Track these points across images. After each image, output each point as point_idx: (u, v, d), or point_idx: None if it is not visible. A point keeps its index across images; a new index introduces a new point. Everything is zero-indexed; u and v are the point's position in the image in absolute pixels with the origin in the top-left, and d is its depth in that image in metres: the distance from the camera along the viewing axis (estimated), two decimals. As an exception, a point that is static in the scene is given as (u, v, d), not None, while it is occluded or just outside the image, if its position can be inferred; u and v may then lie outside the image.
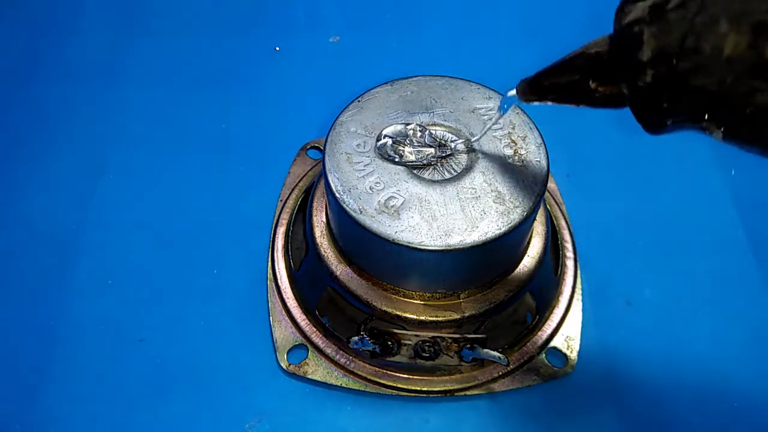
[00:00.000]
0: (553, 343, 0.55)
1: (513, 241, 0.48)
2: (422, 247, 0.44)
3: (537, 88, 0.40)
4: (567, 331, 0.56)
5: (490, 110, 0.50)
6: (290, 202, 0.61)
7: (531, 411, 0.54)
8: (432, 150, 0.48)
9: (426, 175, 0.47)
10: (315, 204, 0.54)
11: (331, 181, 0.46)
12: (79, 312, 0.57)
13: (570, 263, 0.59)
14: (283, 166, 0.65)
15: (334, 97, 0.64)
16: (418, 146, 0.48)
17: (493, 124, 0.47)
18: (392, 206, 0.45)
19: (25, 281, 0.59)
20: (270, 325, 0.56)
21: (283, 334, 0.55)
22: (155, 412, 0.53)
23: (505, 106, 0.44)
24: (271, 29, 0.78)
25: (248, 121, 0.70)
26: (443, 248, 0.44)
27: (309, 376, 0.53)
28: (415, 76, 0.52)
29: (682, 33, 0.29)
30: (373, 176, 0.47)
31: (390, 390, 0.53)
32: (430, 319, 0.49)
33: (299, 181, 0.63)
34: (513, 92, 0.42)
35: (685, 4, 0.30)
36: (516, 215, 0.45)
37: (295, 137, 0.67)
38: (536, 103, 0.41)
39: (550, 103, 0.41)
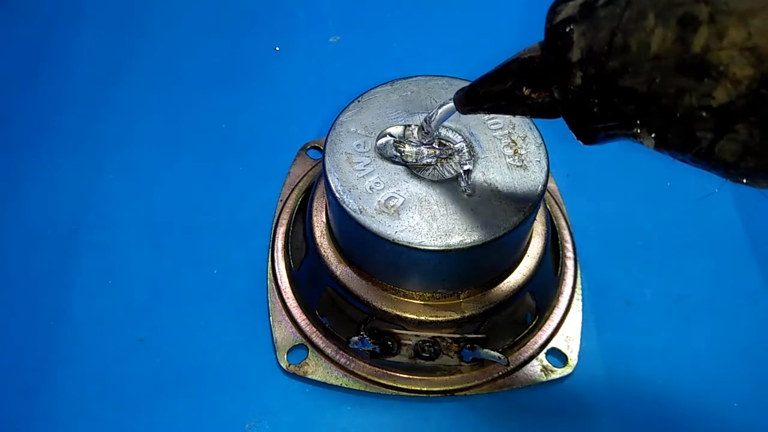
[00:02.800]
0: (553, 343, 0.55)
1: (513, 241, 0.48)
2: (422, 247, 0.44)
3: (472, 98, 0.39)
4: (567, 331, 0.56)
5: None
6: (290, 202, 0.61)
7: (531, 411, 0.54)
8: (432, 150, 0.48)
9: (426, 175, 0.47)
10: (315, 204, 0.54)
11: (331, 181, 0.46)
12: (79, 312, 0.57)
13: (570, 263, 0.59)
14: (283, 166, 0.65)
15: (334, 97, 0.64)
16: (419, 146, 0.48)
17: (433, 133, 0.46)
18: (392, 206, 0.45)
19: (25, 281, 0.59)
20: (270, 325, 0.56)
21: (283, 334, 0.55)
22: (155, 412, 0.53)
23: (443, 117, 0.44)
24: (271, 29, 0.78)
25: (248, 121, 0.70)
26: (443, 248, 0.44)
27: (309, 376, 0.53)
28: (415, 76, 0.52)
29: (611, 30, 0.28)
30: (373, 176, 0.47)
31: (390, 390, 0.53)
32: (430, 319, 0.49)
33: (299, 181, 0.63)
34: (450, 104, 0.42)
35: (614, 0, 0.28)
36: (516, 215, 0.45)
37: (295, 137, 0.67)
38: (473, 114, 0.40)
39: (486, 114, 0.40)
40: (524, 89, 0.34)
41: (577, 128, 0.32)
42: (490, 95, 0.38)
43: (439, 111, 0.44)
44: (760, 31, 0.23)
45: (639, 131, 0.29)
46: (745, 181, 0.27)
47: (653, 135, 0.28)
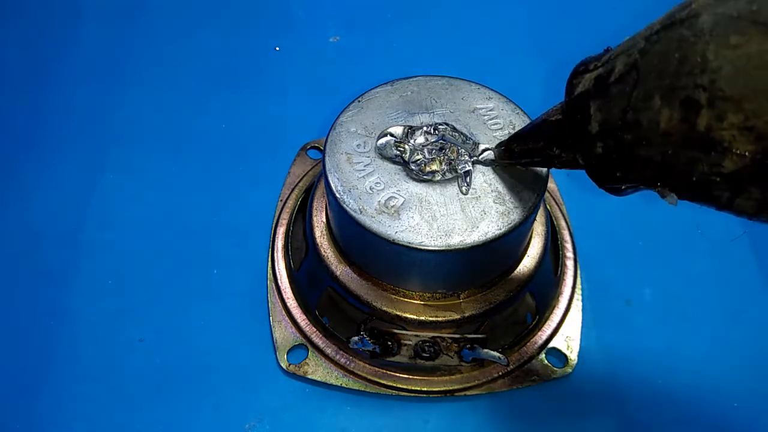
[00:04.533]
0: (553, 343, 0.55)
1: (513, 241, 0.48)
2: (422, 248, 0.44)
3: (509, 154, 0.43)
4: (567, 331, 0.56)
5: (491, 110, 0.50)
6: (290, 202, 0.61)
7: (531, 411, 0.54)
8: (432, 150, 0.48)
9: (426, 175, 0.47)
10: (315, 204, 0.54)
11: (331, 181, 0.46)
12: (79, 312, 0.57)
13: (570, 263, 0.59)
14: (283, 166, 0.65)
15: (334, 97, 0.64)
16: (419, 147, 0.48)
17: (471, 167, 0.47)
18: (392, 206, 0.45)
19: (25, 281, 0.59)
20: (270, 325, 0.56)
21: (283, 334, 0.55)
22: (155, 412, 0.53)
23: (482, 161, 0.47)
24: (271, 29, 0.78)
25: (248, 121, 0.70)
26: (443, 248, 0.44)
27: (309, 376, 0.53)
28: (415, 76, 0.52)
29: (623, 107, 0.30)
30: (373, 176, 0.47)
31: (390, 390, 0.53)
32: (430, 319, 0.49)
33: (299, 181, 0.63)
34: (488, 152, 0.45)
35: (623, 78, 0.30)
36: (516, 215, 0.45)
37: (295, 137, 0.67)
38: (509, 165, 0.44)
39: (524, 167, 0.44)
40: (555, 149, 0.37)
41: (603, 187, 0.35)
42: (524, 153, 0.41)
43: (481, 158, 0.47)
44: (756, 114, 0.25)
45: (660, 189, 0.31)
46: None
47: (674, 193, 0.30)
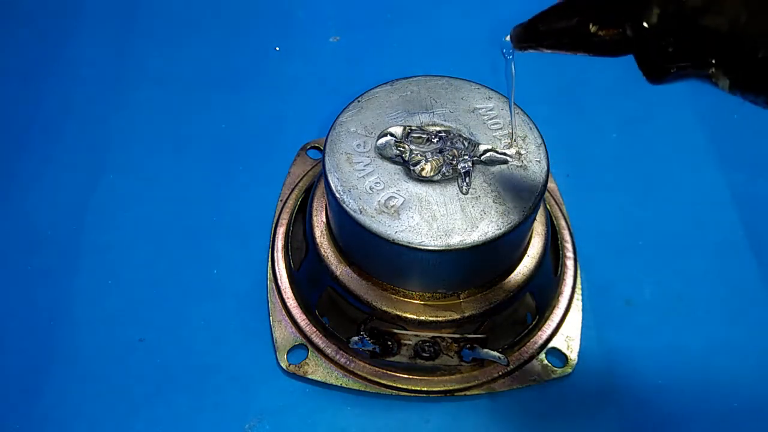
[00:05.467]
0: (553, 343, 0.55)
1: (513, 241, 0.48)
2: (422, 247, 0.44)
3: (533, 34, 0.37)
4: (567, 331, 0.56)
5: (491, 110, 0.50)
6: (290, 202, 0.61)
7: (531, 411, 0.54)
8: (432, 150, 0.48)
9: (426, 175, 0.47)
10: (315, 204, 0.54)
11: (331, 181, 0.46)
12: (79, 312, 0.57)
13: (570, 263, 0.59)
14: (283, 166, 0.65)
15: (334, 97, 0.64)
16: (419, 146, 0.48)
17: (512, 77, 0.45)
18: (392, 206, 0.45)
19: (25, 281, 0.59)
20: (270, 325, 0.56)
21: (283, 334, 0.55)
22: (155, 412, 0.53)
23: (507, 52, 0.42)
24: (271, 29, 0.78)
25: (248, 121, 0.70)
26: (443, 248, 0.44)
27: (309, 376, 0.53)
28: (415, 76, 0.52)
29: None
30: (373, 176, 0.47)
31: (390, 390, 0.53)
32: (430, 319, 0.49)
33: (299, 181, 0.63)
34: (507, 38, 0.40)
35: None
36: (516, 215, 0.45)
37: (295, 137, 0.66)
38: (531, 51, 0.38)
39: (545, 51, 0.37)
40: (591, 26, 0.32)
41: (648, 68, 0.31)
42: (551, 32, 0.35)
43: (505, 53, 0.42)
44: None
45: (714, 71, 0.28)
46: None
47: (729, 76, 0.27)
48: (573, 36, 0.34)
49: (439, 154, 0.47)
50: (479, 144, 0.48)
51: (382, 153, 0.48)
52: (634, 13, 0.29)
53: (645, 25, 0.29)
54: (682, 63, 0.29)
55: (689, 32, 0.27)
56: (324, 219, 0.53)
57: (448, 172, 0.46)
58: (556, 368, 0.54)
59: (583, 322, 0.57)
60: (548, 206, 0.59)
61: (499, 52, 0.42)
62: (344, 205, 0.45)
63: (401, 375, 0.53)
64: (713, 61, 0.27)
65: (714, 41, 0.27)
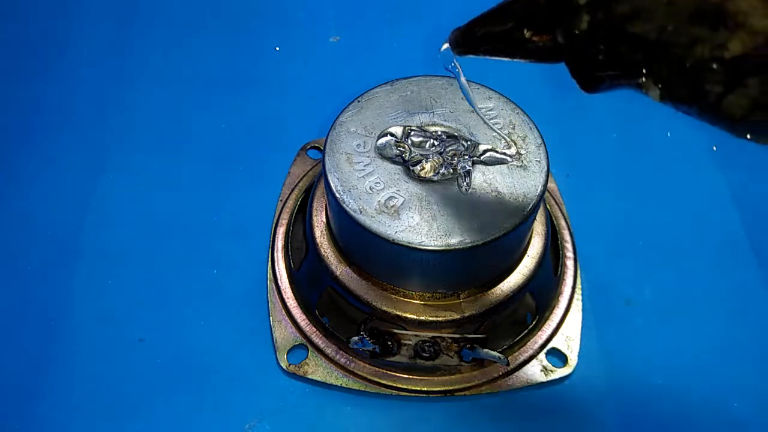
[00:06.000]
0: (553, 343, 0.55)
1: (513, 241, 0.48)
2: (422, 247, 0.44)
3: (469, 39, 0.37)
4: (567, 331, 0.56)
5: (490, 110, 0.50)
6: (290, 202, 0.61)
7: (531, 411, 0.54)
8: (432, 150, 0.48)
9: (426, 175, 0.47)
10: (315, 204, 0.54)
11: (331, 181, 0.46)
12: (79, 312, 0.57)
13: (570, 263, 0.59)
14: (283, 166, 0.65)
15: (334, 97, 0.64)
16: (419, 146, 0.48)
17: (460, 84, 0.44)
18: (392, 206, 0.45)
19: (26, 281, 0.59)
20: (270, 325, 0.56)
21: (283, 334, 0.55)
22: (155, 412, 0.53)
23: (447, 64, 0.42)
24: (271, 29, 0.78)
25: (248, 121, 0.70)
26: (443, 248, 0.44)
27: (309, 376, 0.53)
28: (415, 76, 0.52)
29: None
30: (373, 176, 0.47)
31: (390, 390, 0.53)
32: (430, 319, 0.49)
33: (299, 181, 0.63)
34: (446, 45, 0.39)
35: None
36: (516, 215, 0.45)
37: (295, 137, 0.66)
38: (469, 56, 0.38)
39: (483, 57, 0.37)
40: (526, 31, 0.32)
41: (580, 75, 0.31)
42: (488, 37, 0.36)
43: (440, 54, 0.42)
44: None
45: (645, 80, 0.27)
46: (749, 136, 0.26)
47: (659, 85, 0.27)
48: (508, 41, 0.34)
49: (439, 155, 0.47)
50: (479, 144, 0.48)
51: (382, 153, 0.48)
52: (565, 20, 0.29)
53: (575, 31, 0.29)
54: (613, 71, 0.29)
55: (618, 39, 0.27)
56: (324, 219, 0.53)
57: (448, 172, 0.46)
58: (556, 368, 0.54)
59: (583, 322, 0.57)
60: (548, 206, 0.59)
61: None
62: (344, 205, 0.45)
63: (401, 375, 0.53)
64: (644, 71, 0.27)
65: (643, 49, 0.26)
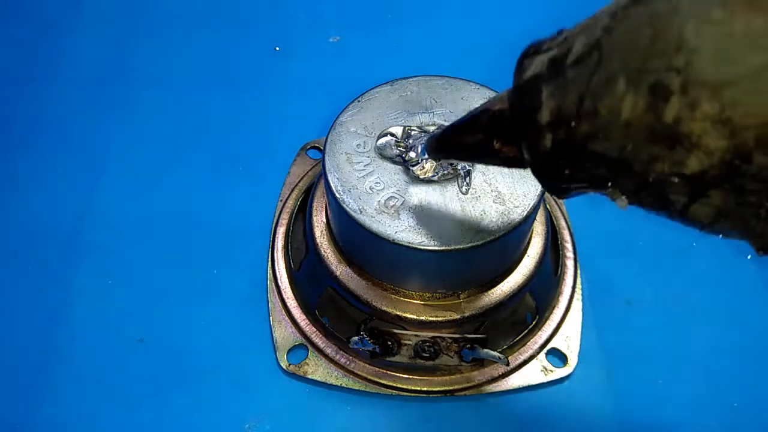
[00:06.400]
0: (553, 343, 0.55)
1: (513, 241, 0.48)
2: (422, 247, 0.44)
3: (444, 147, 0.39)
4: (567, 331, 0.56)
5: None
6: (290, 202, 0.61)
7: (531, 411, 0.54)
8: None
9: (426, 175, 0.47)
10: (315, 204, 0.54)
11: (331, 181, 0.46)
12: (79, 312, 0.57)
13: (570, 263, 0.59)
14: (283, 166, 0.65)
15: (334, 97, 0.64)
16: (418, 147, 0.48)
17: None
18: (392, 206, 0.45)
19: (26, 281, 0.59)
20: (270, 325, 0.56)
21: (283, 334, 0.55)
22: (155, 412, 0.53)
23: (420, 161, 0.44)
24: (271, 29, 0.78)
25: (248, 121, 0.70)
26: (443, 248, 0.44)
27: (309, 376, 0.53)
28: (415, 76, 0.52)
29: (580, 94, 0.26)
30: (373, 176, 0.47)
31: (390, 390, 0.53)
32: (430, 319, 0.49)
33: (299, 181, 0.63)
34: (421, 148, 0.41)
35: (583, 60, 0.26)
36: (516, 215, 0.45)
37: (295, 137, 0.67)
38: (447, 161, 0.40)
39: (460, 162, 0.39)
40: (495, 143, 0.33)
41: (548, 187, 0.31)
42: (461, 146, 0.37)
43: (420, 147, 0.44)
44: (734, 104, 0.22)
45: (611, 192, 0.28)
46: (721, 236, 0.27)
47: (625, 196, 0.27)
48: (479, 150, 0.35)
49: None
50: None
51: (382, 153, 0.48)
52: (529, 138, 0.29)
53: (540, 149, 0.29)
54: (579, 184, 0.29)
55: (581, 157, 0.27)
56: (324, 219, 0.53)
57: (448, 172, 0.46)
58: (556, 368, 0.54)
59: (583, 322, 0.57)
60: (548, 206, 0.59)
61: (500, 53, 0.42)
62: (344, 205, 0.45)
63: (401, 375, 0.53)
64: (609, 184, 0.27)
65: (606, 165, 0.27)
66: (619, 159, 0.26)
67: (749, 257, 0.26)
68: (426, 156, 0.46)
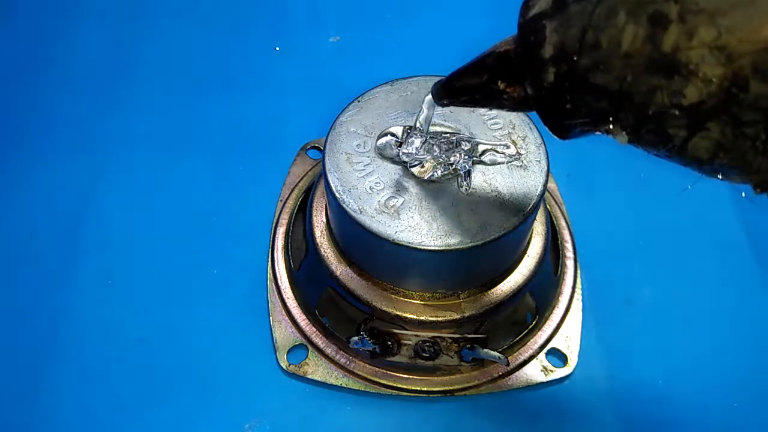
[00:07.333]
0: (553, 343, 0.55)
1: (513, 241, 0.48)
2: (422, 247, 0.44)
3: (449, 91, 0.39)
4: (567, 331, 0.56)
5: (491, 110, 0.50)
6: (290, 202, 0.61)
7: (531, 411, 0.54)
8: (432, 150, 0.48)
9: (426, 175, 0.47)
10: (315, 204, 0.54)
11: (331, 181, 0.46)
12: (79, 312, 0.57)
13: (570, 263, 0.59)
14: (283, 166, 0.65)
15: (334, 97, 0.64)
16: (419, 147, 0.48)
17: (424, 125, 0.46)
18: (392, 206, 0.45)
19: (26, 281, 0.59)
20: (270, 325, 0.56)
21: (283, 334, 0.55)
22: (155, 412, 0.53)
23: (428, 111, 0.44)
24: (271, 29, 0.78)
25: (248, 121, 0.70)
26: (443, 248, 0.44)
27: (309, 376, 0.53)
28: (415, 76, 0.52)
29: (582, 27, 0.27)
30: (373, 176, 0.47)
31: (390, 390, 0.53)
32: (430, 319, 0.49)
33: (299, 181, 0.63)
34: (429, 97, 0.42)
35: None
36: (516, 215, 0.45)
37: (295, 137, 0.67)
38: (452, 106, 0.40)
39: (464, 107, 0.40)
40: (500, 83, 0.34)
41: (551, 124, 0.32)
42: (466, 88, 0.37)
43: (423, 106, 0.44)
44: (730, 30, 0.23)
45: (612, 127, 0.29)
46: (720, 176, 0.27)
47: (626, 131, 0.28)
48: (484, 92, 0.36)
49: (438, 155, 0.47)
50: (479, 144, 0.48)
51: (382, 153, 0.48)
52: (533, 73, 0.31)
53: (543, 83, 0.30)
54: (581, 120, 0.30)
55: (583, 90, 0.28)
56: (324, 219, 0.53)
57: (448, 172, 0.46)
58: (555, 368, 0.54)
59: (583, 322, 0.57)
60: (548, 206, 0.59)
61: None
62: (344, 205, 0.45)
63: (401, 375, 0.53)
64: (610, 118, 0.28)
65: (607, 98, 0.27)
66: (620, 91, 0.27)
67: (743, 194, 0.26)
68: (425, 153, 0.46)
